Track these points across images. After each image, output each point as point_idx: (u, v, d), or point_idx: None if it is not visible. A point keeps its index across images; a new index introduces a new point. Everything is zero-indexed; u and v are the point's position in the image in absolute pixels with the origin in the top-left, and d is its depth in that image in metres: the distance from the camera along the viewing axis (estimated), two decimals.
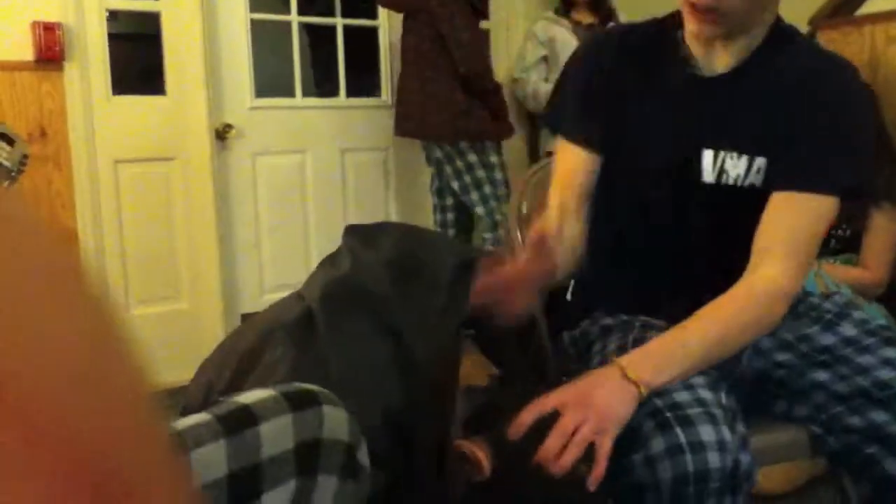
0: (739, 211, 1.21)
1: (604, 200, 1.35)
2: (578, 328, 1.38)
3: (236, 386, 1.04)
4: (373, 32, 3.48)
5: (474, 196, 3.02)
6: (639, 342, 1.16)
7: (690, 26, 1.21)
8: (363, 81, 3.51)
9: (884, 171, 2.14)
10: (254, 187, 3.20)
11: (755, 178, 1.22)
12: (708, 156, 1.23)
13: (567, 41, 3.14)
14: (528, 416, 1.04)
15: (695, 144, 1.24)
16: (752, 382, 1.27)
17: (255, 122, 3.17)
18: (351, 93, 3.44)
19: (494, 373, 1.15)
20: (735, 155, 1.22)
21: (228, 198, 3.13)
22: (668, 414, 1.03)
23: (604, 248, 1.36)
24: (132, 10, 2.99)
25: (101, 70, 2.82)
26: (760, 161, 1.22)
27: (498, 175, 3.01)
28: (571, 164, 1.31)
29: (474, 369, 1.14)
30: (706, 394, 1.07)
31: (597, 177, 1.32)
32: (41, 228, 0.26)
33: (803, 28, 2.64)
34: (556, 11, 3.30)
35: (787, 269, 1.17)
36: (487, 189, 3.01)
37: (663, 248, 1.31)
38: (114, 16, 2.92)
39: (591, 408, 1.03)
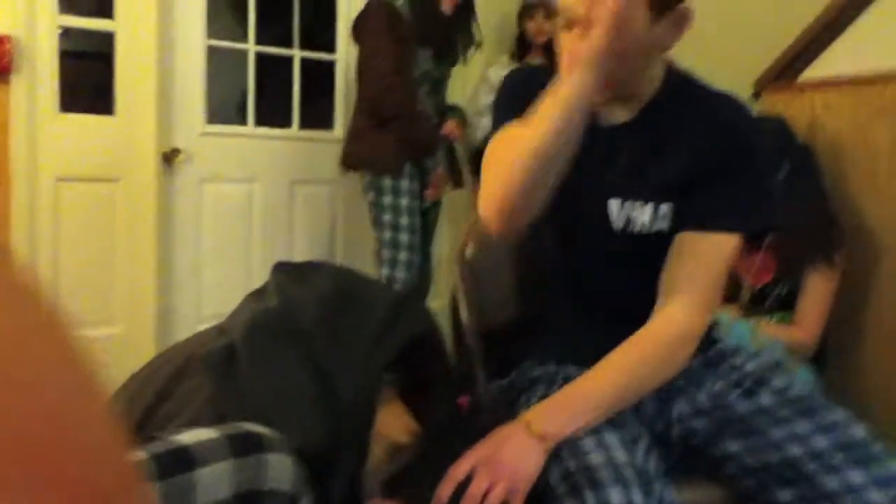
0: (650, 256, 1.23)
1: (529, 246, 1.36)
2: (509, 378, 1.38)
3: (151, 416, 1.01)
4: (330, 66, 3.48)
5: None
6: None
7: None
8: (318, 114, 3.50)
9: (820, 231, 2.20)
10: (198, 214, 3.15)
11: (662, 224, 1.24)
12: (614, 205, 1.25)
13: None
14: (445, 490, 1.03)
15: (601, 194, 1.26)
16: (675, 441, 1.27)
17: (204, 147, 3.13)
18: (304, 124, 3.43)
19: (414, 428, 1.14)
20: (640, 203, 1.24)
21: (172, 223, 3.08)
22: (579, 477, 1.03)
23: (532, 292, 1.37)
24: (86, 28, 2.95)
25: (49, 85, 2.77)
26: (665, 208, 1.23)
27: (386, 216, 2.94)
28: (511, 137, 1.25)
29: (393, 422, 1.12)
30: (619, 454, 1.07)
31: None
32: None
33: (748, 90, 2.73)
34: (511, 56, 3.35)
35: (692, 310, 1.19)
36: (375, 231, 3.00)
37: (582, 292, 1.33)
38: (66, 32, 2.88)
39: (500, 468, 1.03)
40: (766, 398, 1.21)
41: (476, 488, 1.02)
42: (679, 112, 1.25)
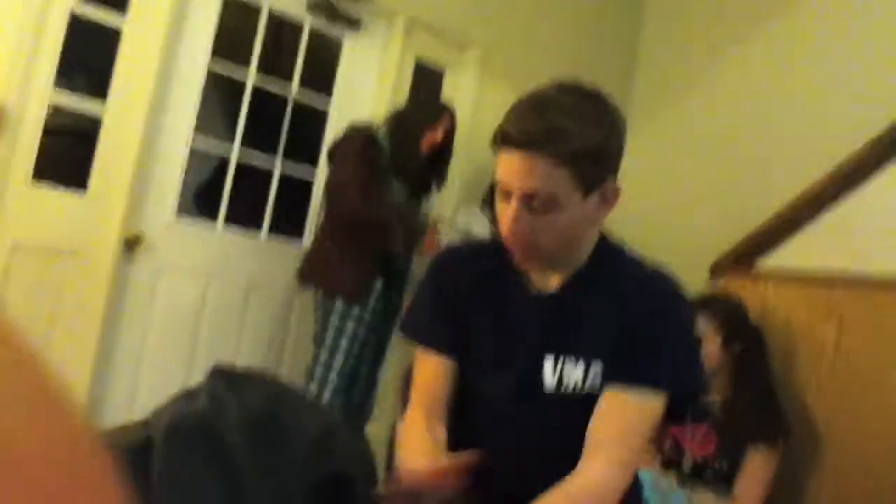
0: (580, 416, 1.28)
1: (459, 402, 1.41)
2: None
3: None
4: (309, 181, 3.55)
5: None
6: None
7: (515, 258, 1.32)
8: (289, 225, 3.53)
9: (765, 411, 2.25)
10: (151, 305, 3.09)
11: (592, 387, 1.30)
12: (548, 363, 1.32)
13: (483, 233, 3.28)
14: None
15: (536, 355, 1.32)
16: None
17: (169, 239, 3.12)
18: (273, 232, 3.46)
19: None
20: (572, 360, 1.31)
21: (121, 309, 3.01)
22: None
23: (460, 442, 1.37)
24: (75, 109, 2.98)
25: (27, 154, 2.77)
26: (596, 367, 1.30)
27: (328, 337, 2.93)
28: (431, 371, 1.39)
29: None
30: None
31: (454, 381, 1.39)
32: None
33: (705, 275, 2.85)
34: (483, 202, 3.46)
35: (616, 468, 1.23)
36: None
37: (512, 451, 1.35)
38: (56, 109, 2.91)
39: None
40: None
41: None
42: (608, 280, 1.34)
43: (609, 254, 1.37)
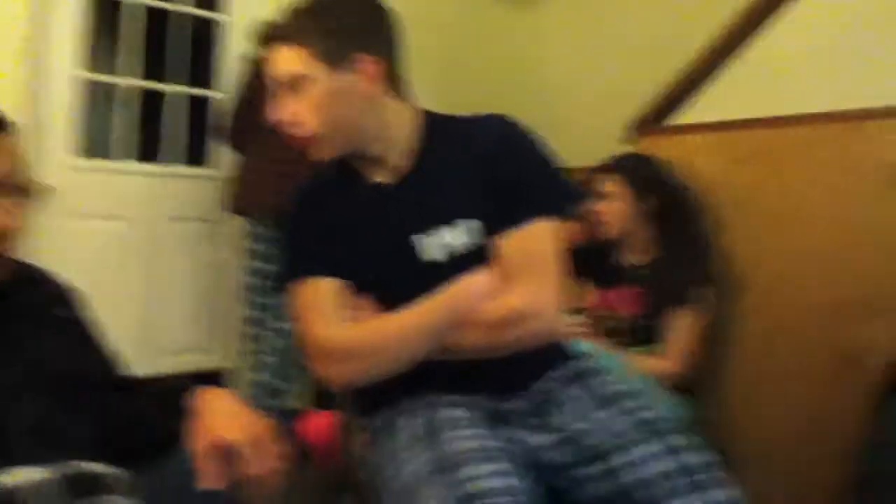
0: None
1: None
2: (378, 414, 1.38)
3: None
4: (203, 101, 3.39)
5: None
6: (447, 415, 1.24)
7: (309, 154, 1.35)
8: (195, 151, 3.41)
9: (683, 270, 2.25)
10: (64, 258, 2.98)
11: (477, 239, 1.32)
12: (427, 239, 1.33)
13: None
14: None
15: (413, 236, 1.33)
16: (542, 469, 1.29)
17: (76, 183, 2.99)
18: (182, 160, 3.35)
19: None
20: (449, 227, 1.32)
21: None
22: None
23: None
24: None
25: None
26: (472, 224, 1.32)
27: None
28: (321, 291, 1.34)
29: None
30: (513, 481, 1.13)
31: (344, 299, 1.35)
32: None
33: (622, 133, 2.83)
34: None
35: (532, 290, 1.25)
36: None
37: None
38: None
39: None
40: (620, 422, 1.27)
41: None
42: (448, 143, 1.37)
43: (438, 122, 1.41)
